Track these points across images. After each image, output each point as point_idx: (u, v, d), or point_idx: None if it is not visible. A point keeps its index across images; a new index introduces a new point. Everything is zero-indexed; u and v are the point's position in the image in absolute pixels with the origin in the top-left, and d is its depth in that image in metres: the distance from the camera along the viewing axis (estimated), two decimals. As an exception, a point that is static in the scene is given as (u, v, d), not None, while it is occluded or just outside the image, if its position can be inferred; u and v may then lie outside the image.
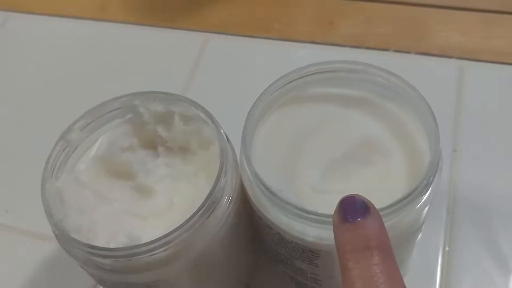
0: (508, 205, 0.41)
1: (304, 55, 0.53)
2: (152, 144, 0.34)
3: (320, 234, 0.29)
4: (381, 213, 0.27)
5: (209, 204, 0.29)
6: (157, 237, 0.28)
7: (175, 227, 0.28)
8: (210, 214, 0.29)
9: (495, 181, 0.42)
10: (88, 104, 0.33)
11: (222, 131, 0.31)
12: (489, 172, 0.43)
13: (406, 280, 0.23)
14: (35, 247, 0.44)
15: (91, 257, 0.29)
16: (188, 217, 0.28)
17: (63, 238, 0.29)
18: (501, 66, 0.50)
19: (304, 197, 0.31)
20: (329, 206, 0.30)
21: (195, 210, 0.28)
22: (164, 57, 0.55)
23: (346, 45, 0.51)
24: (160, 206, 0.32)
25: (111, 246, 0.29)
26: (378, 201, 0.28)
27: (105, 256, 0.28)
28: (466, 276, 0.38)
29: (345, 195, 0.26)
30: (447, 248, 0.39)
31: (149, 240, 0.28)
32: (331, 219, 0.27)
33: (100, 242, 0.29)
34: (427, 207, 0.30)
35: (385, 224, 0.28)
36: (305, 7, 0.56)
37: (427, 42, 0.52)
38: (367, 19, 0.54)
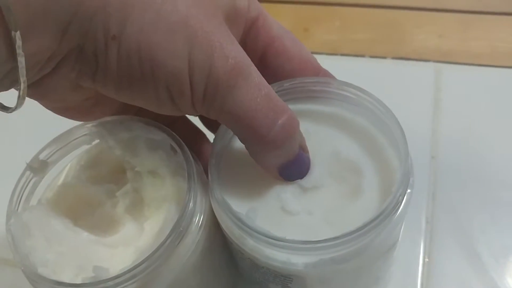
0: (488, 212, 0.41)
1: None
2: (120, 169, 0.33)
3: (290, 259, 0.28)
4: (350, 236, 0.27)
5: (177, 232, 0.28)
6: (125, 269, 0.27)
7: (146, 255, 0.28)
8: (179, 242, 0.29)
9: (474, 188, 0.42)
10: (54, 131, 0.33)
11: (190, 155, 0.31)
12: (468, 178, 0.43)
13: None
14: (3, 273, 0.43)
15: (59, 292, 0.28)
16: (159, 242, 0.28)
17: (30, 274, 0.28)
18: (478, 68, 0.50)
19: (275, 218, 0.30)
20: (300, 227, 0.30)
21: (164, 238, 0.28)
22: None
23: (321, 53, 0.51)
24: (130, 234, 0.31)
25: (79, 279, 0.29)
26: (351, 221, 0.28)
27: (72, 292, 0.28)
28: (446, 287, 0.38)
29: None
30: (426, 259, 0.39)
31: (117, 273, 0.27)
32: (300, 245, 0.27)
33: (67, 276, 0.29)
34: (400, 225, 0.30)
35: (357, 246, 0.28)
36: (280, 14, 0.56)
37: (403, 46, 0.51)
38: (342, 24, 0.54)
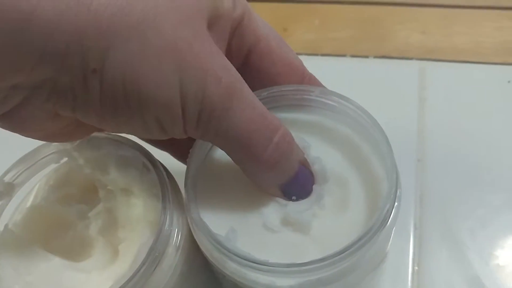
0: (477, 216, 0.40)
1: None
2: (92, 189, 0.32)
3: (274, 282, 0.27)
4: (337, 257, 0.25)
5: (153, 257, 0.27)
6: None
7: (122, 281, 0.26)
8: (155, 268, 0.27)
9: (462, 191, 0.41)
10: (20, 150, 0.31)
11: (163, 173, 0.29)
12: (456, 181, 0.41)
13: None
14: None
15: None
16: (136, 267, 0.26)
17: (-5, 308, 0.27)
18: (463, 65, 0.48)
19: (257, 237, 0.29)
20: (284, 246, 0.28)
21: (140, 262, 0.26)
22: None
23: (301, 53, 0.49)
24: (104, 257, 0.30)
25: (50, 310, 0.27)
26: (337, 237, 0.27)
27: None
28: (437, 296, 0.37)
29: None
30: (416, 268, 0.38)
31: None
32: (285, 269, 0.25)
33: (37, 308, 0.27)
34: (388, 239, 0.29)
35: (344, 265, 0.26)
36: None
37: (385, 44, 0.50)
38: (322, 23, 0.52)
